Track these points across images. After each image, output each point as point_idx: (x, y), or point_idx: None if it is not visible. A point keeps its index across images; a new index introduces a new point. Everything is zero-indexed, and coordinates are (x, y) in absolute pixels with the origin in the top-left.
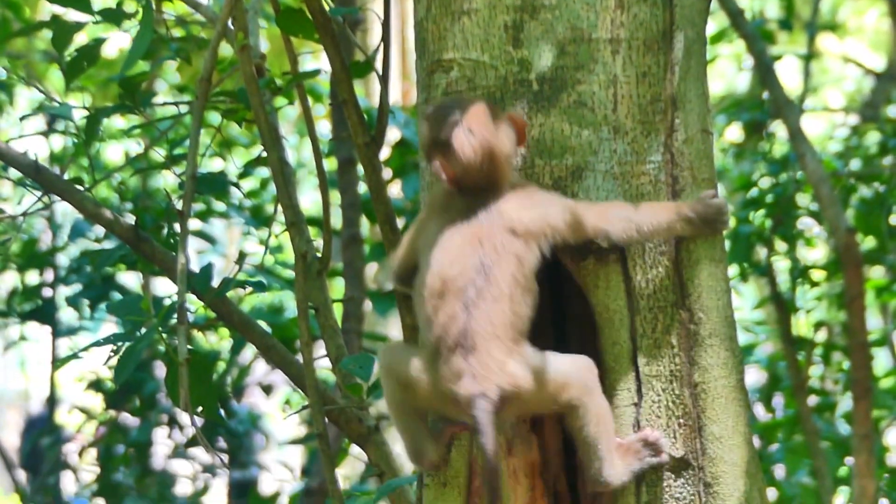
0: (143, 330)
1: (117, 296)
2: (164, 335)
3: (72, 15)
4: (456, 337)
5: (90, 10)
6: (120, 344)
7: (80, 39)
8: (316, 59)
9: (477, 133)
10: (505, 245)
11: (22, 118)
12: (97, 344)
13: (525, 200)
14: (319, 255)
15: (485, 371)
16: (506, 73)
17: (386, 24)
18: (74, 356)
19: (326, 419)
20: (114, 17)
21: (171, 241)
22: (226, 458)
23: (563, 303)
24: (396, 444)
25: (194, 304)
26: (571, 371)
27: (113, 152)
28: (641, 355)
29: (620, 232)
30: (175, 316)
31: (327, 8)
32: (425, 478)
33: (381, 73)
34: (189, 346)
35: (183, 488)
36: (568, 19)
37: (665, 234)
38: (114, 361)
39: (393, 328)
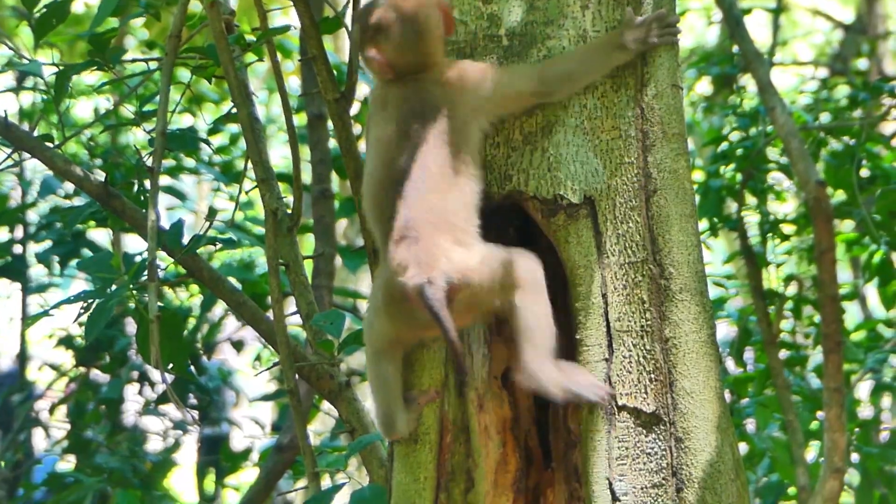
0: (114, 287)
1: (88, 253)
2: (135, 292)
3: None
4: (400, 230)
5: None
6: (90, 301)
7: None
8: (285, 15)
9: (403, 9)
10: (440, 131)
11: None
12: (68, 301)
13: (459, 76)
14: (290, 211)
15: (430, 260)
16: (476, 28)
17: None
18: (45, 314)
19: (297, 375)
20: None
21: (142, 197)
22: (196, 414)
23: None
24: (367, 401)
25: (165, 260)
26: (520, 266)
27: (83, 109)
28: (612, 311)
29: (556, 82)
30: (146, 273)
31: None
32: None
33: (350, 28)
34: (159, 304)
35: (154, 445)
36: None
37: (605, 68)
38: (84, 318)
39: (363, 284)
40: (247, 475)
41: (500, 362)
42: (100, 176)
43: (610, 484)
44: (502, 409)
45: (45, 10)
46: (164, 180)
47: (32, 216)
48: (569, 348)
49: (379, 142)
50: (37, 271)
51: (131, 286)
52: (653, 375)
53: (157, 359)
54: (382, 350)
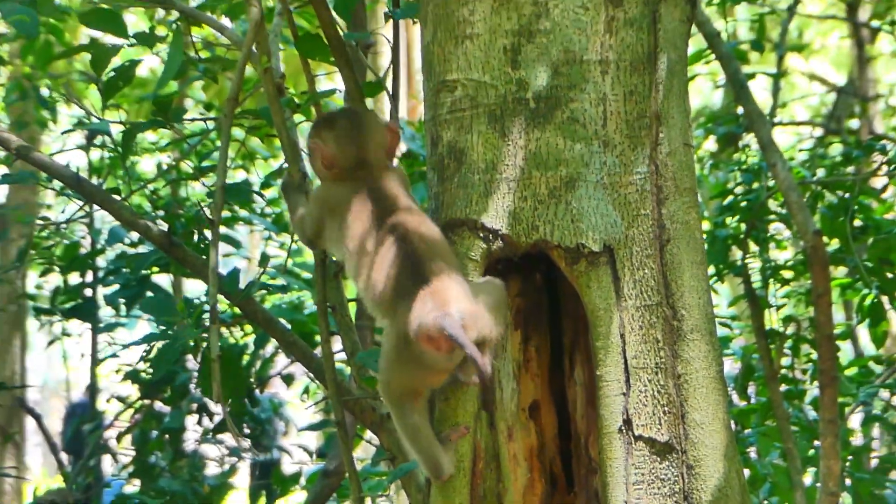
0: (177, 328)
1: (151, 295)
2: (198, 333)
3: (109, 38)
4: (411, 288)
5: (125, 34)
6: (154, 343)
7: (117, 61)
8: (331, 80)
9: (353, 113)
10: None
11: (64, 133)
12: (136, 343)
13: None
14: (335, 258)
15: (444, 303)
16: (505, 91)
17: (395, 48)
18: (115, 355)
19: (343, 408)
20: (147, 40)
21: (201, 245)
22: (250, 442)
23: (558, 301)
24: None
25: (222, 303)
26: (501, 306)
27: (147, 164)
28: (629, 349)
29: None
30: (206, 315)
31: (342, 33)
32: None
33: (391, 92)
34: (219, 344)
35: (212, 470)
36: (561, 43)
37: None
38: (151, 355)
39: None
40: (295, 498)
41: (528, 395)
42: (162, 226)
43: None
44: (529, 438)
45: (112, 73)
46: (221, 230)
47: (101, 262)
48: (590, 383)
49: (365, 229)
50: (105, 312)
51: (194, 328)
52: (666, 408)
53: (219, 394)
54: (403, 402)
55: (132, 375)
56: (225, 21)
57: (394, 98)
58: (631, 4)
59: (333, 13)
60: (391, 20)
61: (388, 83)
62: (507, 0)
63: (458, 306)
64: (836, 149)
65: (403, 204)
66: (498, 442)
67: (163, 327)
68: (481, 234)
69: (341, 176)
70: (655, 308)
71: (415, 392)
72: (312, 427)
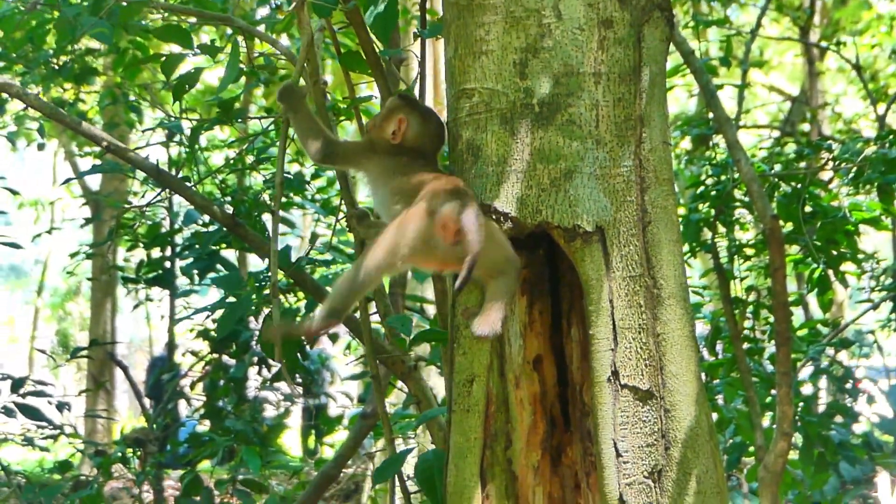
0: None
1: (220, 267)
2: (259, 302)
3: (180, 51)
4: (444, 194)
5: (191, 45)
6: (222, 306)
7: (186, 68)
8: (370, 87)
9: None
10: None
11: (145, 131)
12: (207, 309)
13: None
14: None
15: (470, 207)
16: (514, 98)
17: (422, 62)
18: (189, 317)
19: (378, 361)
20: (209, 51)
21: (260, 225)
22: (301, 390)
23: (558, 273)
24: (431, 380)
25: (278, 274)
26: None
27: (216, 158)
28: (617, 312)
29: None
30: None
31: (377, 50)
32: (453, 405)
33: (417, 97)
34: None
35: (269, 413)
36: (562, 58)
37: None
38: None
39: (428, 291)
40: (339, 436)
41: (532, 350)
42: (229, 210)
43: (615, 444)
44: (533, 386)
45: (179, 78)
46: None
47: (178, 239)
48: (584, 341)
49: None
50: (181, 281)
51: (256, 297)
52: (647, 362)
53: (280, 353)
54: (381, 272)
55: (203, 334)
56: (276, 36)
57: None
58: (619, 26)
59: (371, 34)
60: (419, 38)
61: (416, 91)
62: (516, 22)
63: (479, 216)
64: (790, 148)
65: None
66: (507, 389)
67: (230, 299)
68: (494, 217)
69: (395, 151)
70: (639, 278)
71: (395, 267)
72: (353, 377)
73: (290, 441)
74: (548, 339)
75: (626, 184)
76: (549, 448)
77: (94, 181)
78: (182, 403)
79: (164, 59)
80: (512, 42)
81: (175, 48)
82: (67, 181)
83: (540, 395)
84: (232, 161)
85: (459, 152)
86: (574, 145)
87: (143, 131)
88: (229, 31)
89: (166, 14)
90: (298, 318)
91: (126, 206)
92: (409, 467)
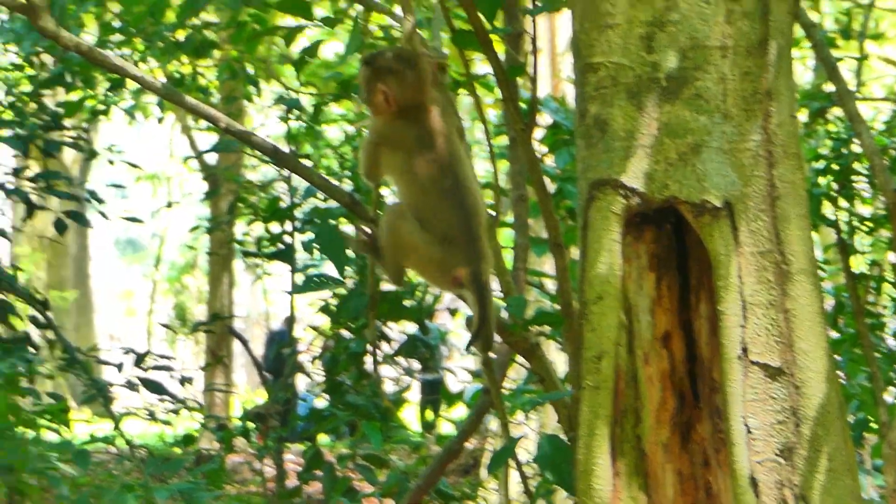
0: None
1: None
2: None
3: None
4: (457, 233)
5: (311, 17)
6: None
7: (302, 43)
8: (485, 63)
9: (407, 54)
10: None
11: (267, 107)
12: (328, 286)
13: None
14: (493, 211)
15: (482, 264)
16: (641, 72)
17: (534, 39)
18: (310, 288)
19: (498, 338)
20: (330, 23)
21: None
22: (421, 365)
23: (685, 248)
24: (551, 355)
25: None
26: None
27: (334, 132)
28: (745, 288)
29: None
30: None
31: (488, 28)
32: (583, 383)
33: (532, 75)
34: None
35: (390, 387)
36: (688, 32)
37: None
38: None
39: (547, 266)
40: (457, 411)
41: (661, 327)
42: (348, 186)
43: (745, 421)
44: (662, 363)
45: (301, 52)
46: None
47: (298, 214)
48: (713, 317)
49: (422, 163)
50: (301, 256)
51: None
52: (777, 338)
53: (372, 328)
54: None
55: (324, 309)
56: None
57: (533, 81)
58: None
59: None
60: (532, 14)
61: (530, 68)
62: None
63: (486, 275)
64: None
65: (452, 144)
66: (636, 366)
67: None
68: (622, 192)
69: (397, 114)
70: (767, 254)
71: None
72: (472, 353)
73: (410, 416)
74: (676, 314)
75: (754, 158)
76: (679, 424)
77: (212, 156)
78: (302, 379)
79: (284, 31)
80: (638, 15)
81: (293, 22)
82: (187, 159)
83: (669, 372)
84: (352, 135)
85: (587, 127)
86: (701, 119)
87: (262, 108)
88: (343, 3)
89: None
90: (419, 295)
91: (246, 184)
92: (528, 443)
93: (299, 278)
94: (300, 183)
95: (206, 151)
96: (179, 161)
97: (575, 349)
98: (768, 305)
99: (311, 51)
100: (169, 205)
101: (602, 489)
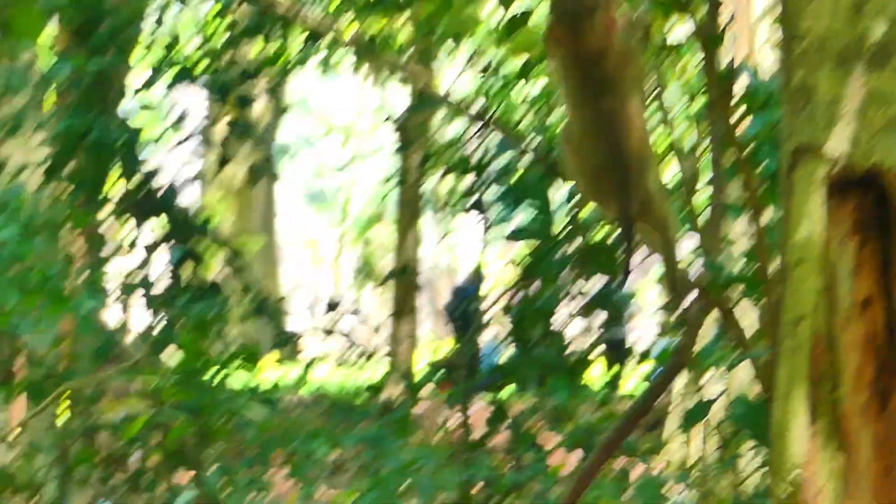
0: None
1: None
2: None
3: None
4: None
5: None
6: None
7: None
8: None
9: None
10: None
11: (461, 73)
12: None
13: None
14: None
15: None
16: (848, 41)
17: (714, 8)
18: (523, 236)
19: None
20: None
21: None
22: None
23: (889, 215)
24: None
25: None
26: None
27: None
28: None
29: None
30: None
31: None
32: (780, 346)
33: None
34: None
35: (577, 345)
36: None
37: None
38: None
39: (737, 225)
40: (642, 370)
41: (862, 292)
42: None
43: None
44: (862, 328)
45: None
46: None
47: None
48: None
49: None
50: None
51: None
52: None
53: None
54: None
55: (514, 262)
56: None
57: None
58: None
59: None
60: None
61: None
62: None
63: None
64: None
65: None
66: (834, 330)
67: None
68: (825, 159)
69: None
70: None
71: None
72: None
73: (595, 374)
74: (877, 281)
75: None
76: (877, 391)
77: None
78: (488, 331)
79: None
80: None
81: None
82: (386, 121)
83: (868, 337)
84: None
85: (791, 93)
86: None
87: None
88: None
89: None
90: None
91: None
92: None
93: (493, 233)
94: (492, 139)
95: (403, 115)
96: (370, 114)
97: (771, 311)
98: None
99: (523, 18)
100: (360, 158)
101: (799, 450)
